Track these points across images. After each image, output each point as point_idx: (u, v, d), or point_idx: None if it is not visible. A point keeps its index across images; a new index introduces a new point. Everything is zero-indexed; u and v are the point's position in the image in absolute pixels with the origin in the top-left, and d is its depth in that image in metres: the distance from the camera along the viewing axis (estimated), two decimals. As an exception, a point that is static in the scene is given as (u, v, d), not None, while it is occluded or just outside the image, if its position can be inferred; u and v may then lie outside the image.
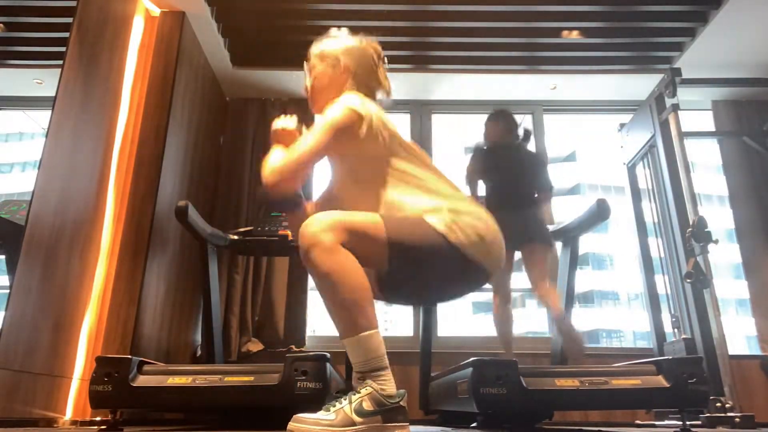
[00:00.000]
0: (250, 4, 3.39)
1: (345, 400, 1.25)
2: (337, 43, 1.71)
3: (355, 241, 1.33)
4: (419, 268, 1.43)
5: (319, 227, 1.31)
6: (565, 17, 3.51)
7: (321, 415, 1.23)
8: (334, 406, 1.24)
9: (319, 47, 1.73)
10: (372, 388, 1.25)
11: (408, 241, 1.39)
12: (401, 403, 1.26)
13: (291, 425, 1.21)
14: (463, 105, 4.25)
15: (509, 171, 3.06)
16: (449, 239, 1.39)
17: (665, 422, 2.98)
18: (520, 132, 3.19)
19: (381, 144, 1.52)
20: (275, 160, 1.51)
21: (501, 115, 3.22)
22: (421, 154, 1.60)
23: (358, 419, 1.21)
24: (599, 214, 2.65)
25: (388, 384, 1.27)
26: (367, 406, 1.22)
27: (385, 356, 1.31)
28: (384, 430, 1.23)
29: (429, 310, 3.06)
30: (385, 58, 1.76)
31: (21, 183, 2.22)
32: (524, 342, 3.70)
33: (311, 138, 1.47)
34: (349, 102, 1.50)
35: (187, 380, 1.84)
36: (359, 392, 1.25)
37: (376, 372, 1.28)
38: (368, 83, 1.69)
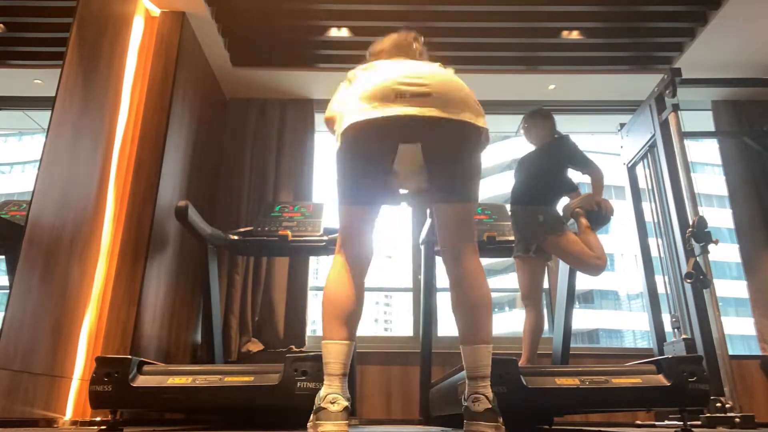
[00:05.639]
0: (250, 4, 3.39)
1: None
2: None
3: None
4: None
5: None
6: (565, 17, 3.52)
7: None
8: None
9: None
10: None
11: None
12: (322, 405, 1.33)
13: None
14: (463, 105, 4.24)
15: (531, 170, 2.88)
16: None
17: (665, 422, 2.99)
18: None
19: None
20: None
21: (545, 115, 2.97)
22: None
23: (312, 416, 1.35)
24: (598, 219, 2.67)
25: (324, 387, 1.37)
26: (316, 404, 1.35)
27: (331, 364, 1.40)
28: (314, 427, 1.32)
29: (429, 315, 3.06)
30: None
31: (21, 183, 2.21)
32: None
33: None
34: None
35: (187, 380, 1.84)
36: None
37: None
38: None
